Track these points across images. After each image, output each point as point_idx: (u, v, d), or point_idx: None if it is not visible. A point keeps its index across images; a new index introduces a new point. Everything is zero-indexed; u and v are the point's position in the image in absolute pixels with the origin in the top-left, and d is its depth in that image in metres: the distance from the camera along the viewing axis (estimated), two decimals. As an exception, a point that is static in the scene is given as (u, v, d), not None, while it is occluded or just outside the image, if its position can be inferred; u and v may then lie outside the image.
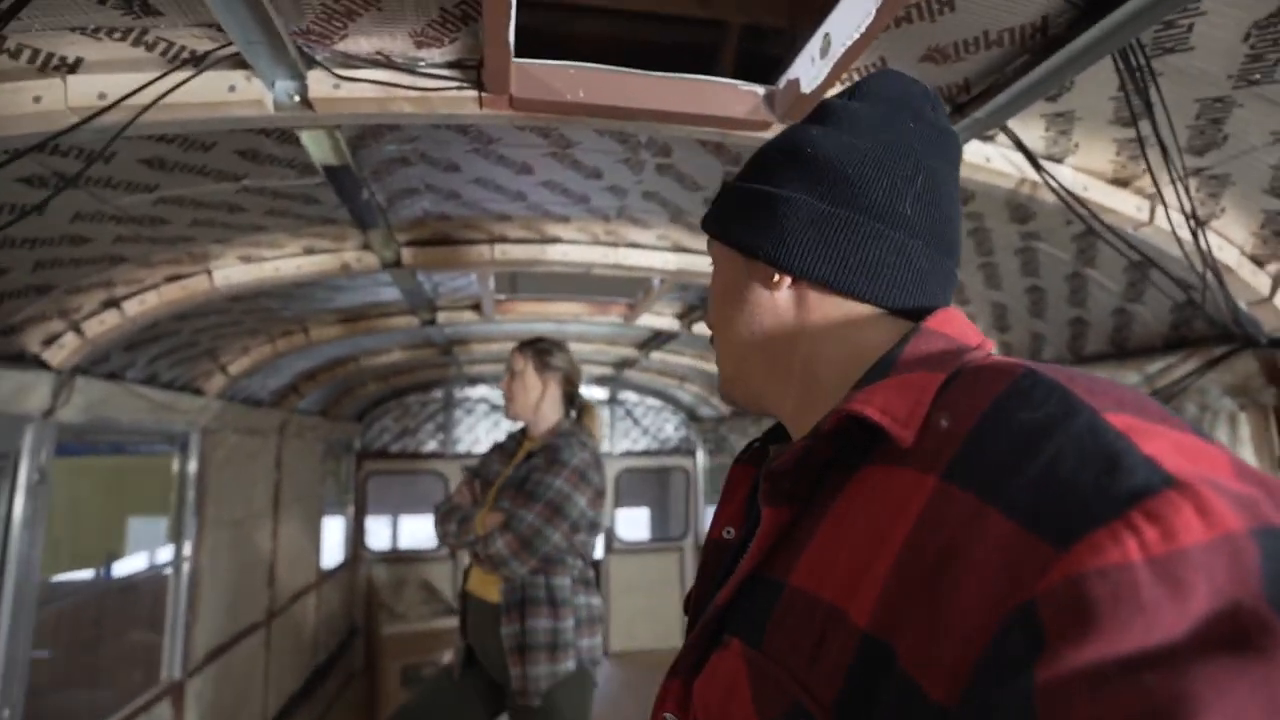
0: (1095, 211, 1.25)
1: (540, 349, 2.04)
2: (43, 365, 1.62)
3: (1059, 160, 1.25)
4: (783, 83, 1.06)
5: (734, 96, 1.08)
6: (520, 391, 2.00)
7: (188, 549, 2.45)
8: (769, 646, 0.41)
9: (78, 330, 1.65)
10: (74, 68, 0.91)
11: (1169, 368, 1.60)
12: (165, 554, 2.44)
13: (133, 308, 1.68)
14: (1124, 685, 0.24)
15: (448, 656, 2.03)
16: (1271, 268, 1.34)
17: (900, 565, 0.35)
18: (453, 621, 3.83)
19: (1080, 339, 1.84)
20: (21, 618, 1.63)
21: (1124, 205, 1.28)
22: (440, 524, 1.98)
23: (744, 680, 0.42)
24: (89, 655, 2.67)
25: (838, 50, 0.91)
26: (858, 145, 0.52)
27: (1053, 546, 0.28)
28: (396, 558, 5.00)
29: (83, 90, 0.91)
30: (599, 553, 5.26)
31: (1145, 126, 1.09)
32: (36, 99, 0.90)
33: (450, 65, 1.01)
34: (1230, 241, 1.34)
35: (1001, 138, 1.20)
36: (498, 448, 2.19)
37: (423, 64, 1.00)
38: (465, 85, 1.01)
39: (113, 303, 1.67)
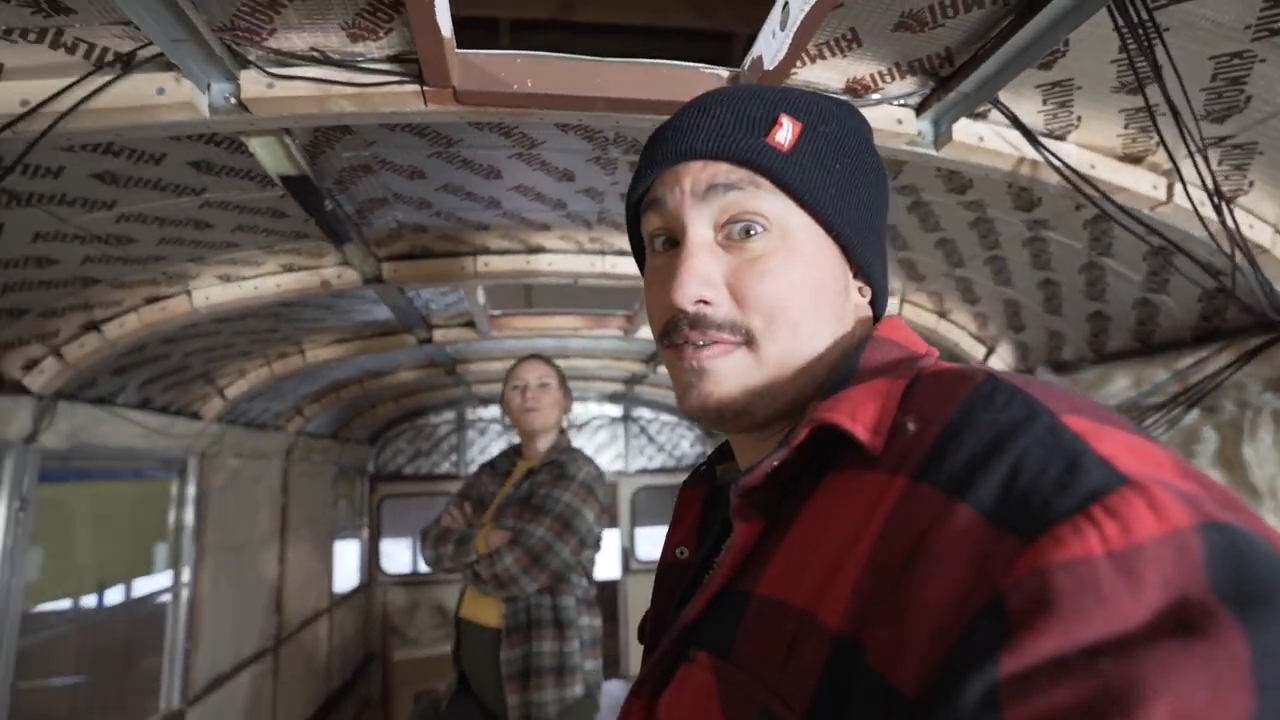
0: (1105, 192, 1.14)
1: (559, 367, 2.04)
2: (23, 390, 1.61)
3: (1060, 137, 1.14)
4: (747, 63, 0.98)
5: (695, 80, 1.01)
6: (551, 404, 1.96)
7: (186, 575, 2.42)
8: (738, 658, 0.40)
9: (58, 354, 1.63)
10: (-3, 75, 0.88)
11: (1200, 362, 1.46)
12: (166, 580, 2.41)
13: (113, 330, 1.66)
14: (1081, 671, 0.25)
15: (444, 686, 1.96)
16: (1309, 247, 1.21)
17: (871, 565, 0.35)
18: (466, 646, 3.78)
19: (1101, 335, 1.71)
20: (1, 651, 1.59)
21: (1138, 184, 1.17)
22: (433, 547, 1.89)
23: (714, 693, 0.41)
24: (118, 681, 2.66)
25: (796, 19, 0.83)
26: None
27: (1019, 540, 0.29)
28: (413, 581, 4.95)
29: (5, 97, 0.87)
30: (617, 573, 5.14)
31: (1155, 93, 0.99)
32: (-43, 109, 0.87)
33: (390, 59, 0.96)
34: (1261, 219, 1.21)
35: (994, 115, 1.11)
36: (488, 467, 2.11)
37: (361, 59, 0.95)
38: (406, 79, 0.96)
39: (92, 325, 1.65)
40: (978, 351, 2.06)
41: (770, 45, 0.91)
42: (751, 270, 0.47)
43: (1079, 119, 1.10)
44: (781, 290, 0.46)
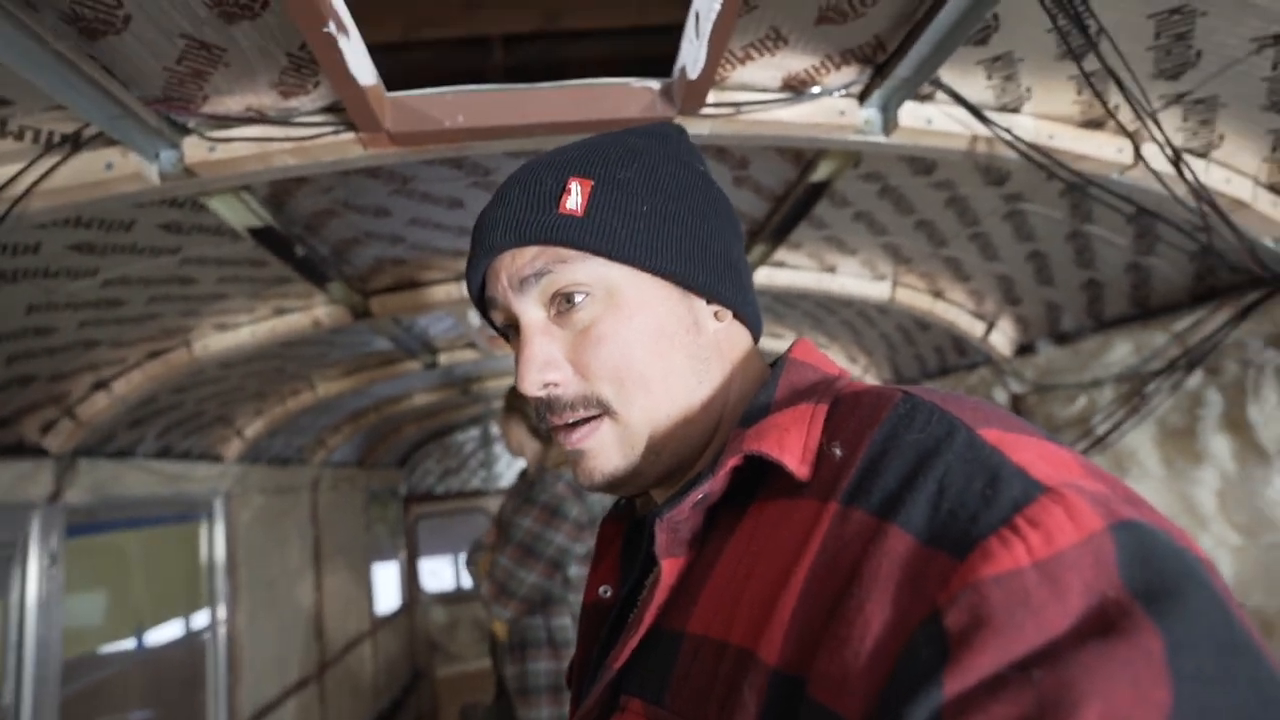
0: (1064, 161, 1.11)
1: (506, 395, 2.12)
2: (42, 452, 1.69)
3: (1015, 110, 1.11)
4: (675, 73, 0.98)
5: (626, 96, 1.01)
6: (505, 436, 2.07)
7: (222, 612, 2.51)
8: (673, 701, 0.39)
9: (71, 415, 1.71)
10: (-43, 168, 0.93)
11: (1198, 323, 1.41)
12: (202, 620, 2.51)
13: (120, 387, 1.73)
14: (1017, 684, 0.26)
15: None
16: (1296, 195, 1.16)
17: (807, 594, 0.35)
18: (507, 658, 3.85)
19: (1098, 302, 1.65)
20: (44, 696, 1.67)
21: (1101, 150, 1.12)
22: (467, 566, 2.03)
23: None
24: (182, 714, 2.77)
25: (707, 24, 0.83)
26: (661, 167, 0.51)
27: (951, 557, 0.30)
28: (453, 599, 5.04)
29: (-35, 188, 0.92)
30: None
31: (1094, 60, 0.96)
32: (-75, 204, 0.92)
33: (324, 110, 0.98)
34: (1239, 172, 1.16)
35: (941, 95, 1.08)
36: (511, 487, 2.19)
37: (296, 113, 0.98)
38: (341, 128, 0.98)
39: (101, 384, 1.72)
40: (977, 329, 2.01)
41: (691, 52, 0.91)
42: (585, 341, 0.46)
43: (1029, 90, 1.07)
44: (619, 352, 0.46)
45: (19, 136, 0.90)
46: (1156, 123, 1.00)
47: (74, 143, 0.92)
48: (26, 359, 1.45)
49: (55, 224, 1.10)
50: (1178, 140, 1.13)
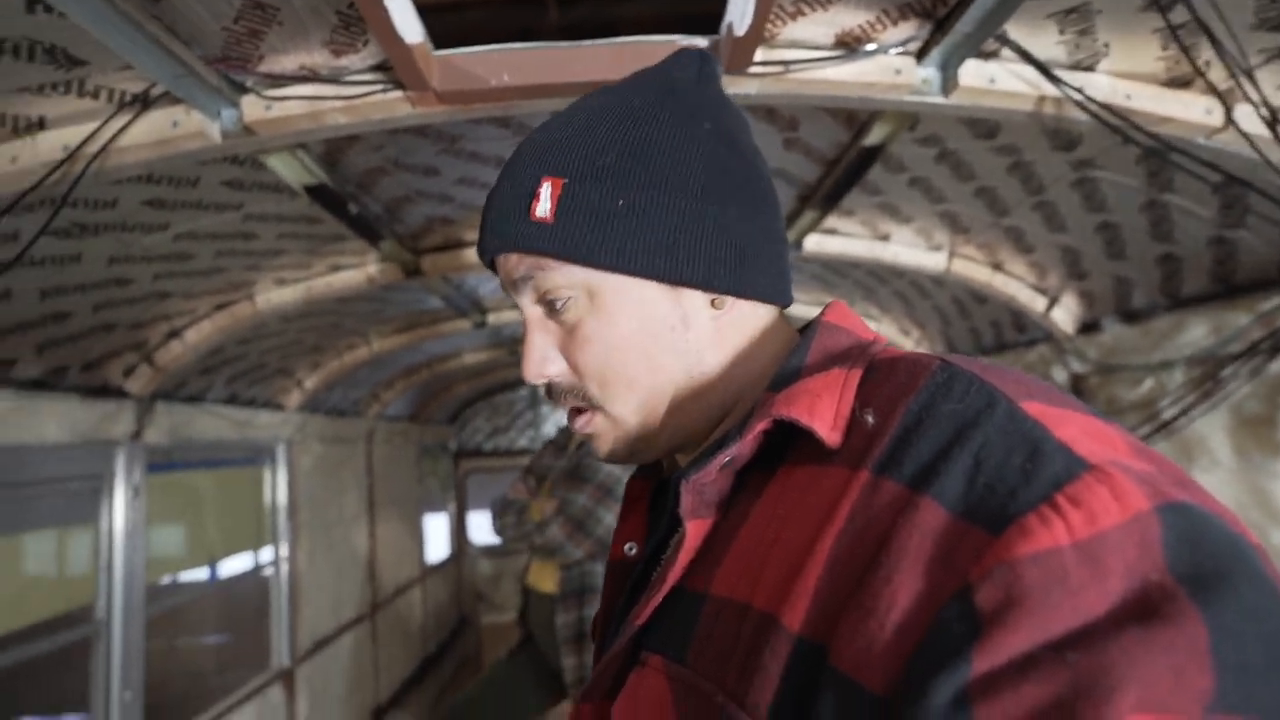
0: (1142, 123, 1.03)
1: None
2: (124, 394, 1.82)
3: (1089, 68, 1.04)
4: (722, 30, 0.95)
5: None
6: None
7: (284, 550, 2.68)
8: (694, 661, 0.39)
9: (150, 361, 1.84)
10: (42, 125, 0.99)
11: (1287, 303, 1.30)
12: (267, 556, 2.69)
13: (191, 336, 1.84)
14: (1050, 665, 0.25)
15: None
16: None
17: (833, 563, 0.34)
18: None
19: (1174, 278, 1.55)
20: (131, 615, 1.84)
21: (1186, 111, 1.04)
22: (498, 517, 2.05)
23: (669, 698, 0.40)
24: (252, 639, 3.03)
25: (755, -20, 0.80)
26: (658, 135, 0.47)
27: (986, 532, 0.29)
28: (498, 552, 5.24)
29: (50, 145, 0.98)
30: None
31: (1184, 11, 0.88)
32: (13, 159, 0.98)
33: (373, 69, 1.00)
34: (1347, 138, 1.05)
35: (1006, 52, 1.02)
36: (549, 443, 2.22)
37: (346, 72, 1.00)
38: (390, 86, 0.99)
39: (174, 333, 1.84)
40: (1038, 304, 1.92)
41: (738, 8, 0.88)
42: (572, 342, 0.48)
43: (1106, 46, 0.99)
44: (601, 355, 0.47)
45: (95, 95, 0.95)
46: (1253, 80, 0.91)
47: (143, 101, 0.97)
48: (109, 307, 1.56)
49: (130, 180, 1.17)
50: (1277, 100, 1.03)
